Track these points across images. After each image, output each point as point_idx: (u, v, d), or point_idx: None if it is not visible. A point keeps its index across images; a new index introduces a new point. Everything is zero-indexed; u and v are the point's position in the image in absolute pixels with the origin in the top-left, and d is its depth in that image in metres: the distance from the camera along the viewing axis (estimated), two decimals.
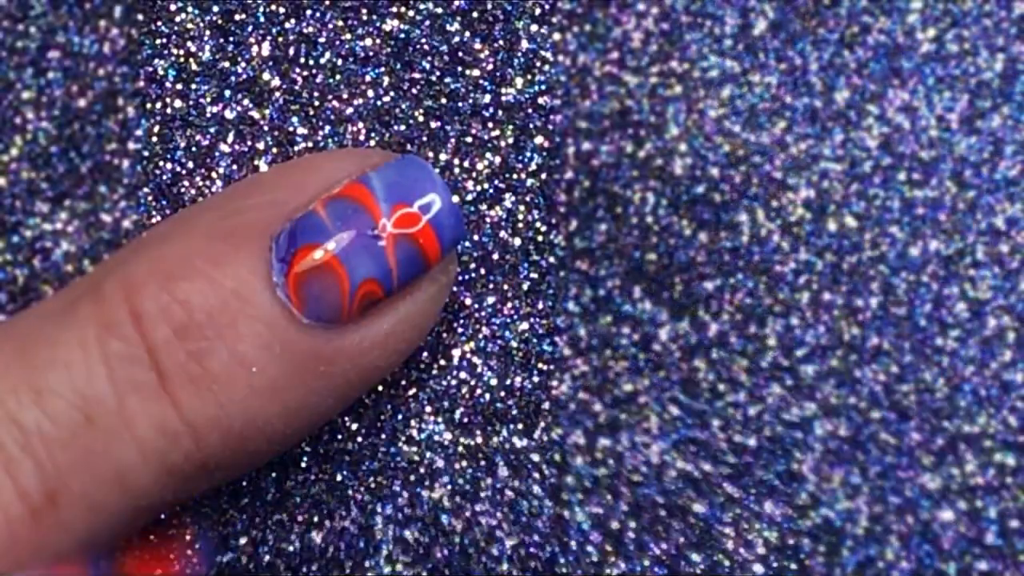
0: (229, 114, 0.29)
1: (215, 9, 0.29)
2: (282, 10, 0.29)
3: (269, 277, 0.26)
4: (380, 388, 0.29)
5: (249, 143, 0.29)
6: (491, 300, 0.29)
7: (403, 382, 0.29)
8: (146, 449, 0.25)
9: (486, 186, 0.29)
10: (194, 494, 0.27)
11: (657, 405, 0.29)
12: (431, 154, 0.29)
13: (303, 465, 0.29)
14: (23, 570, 0.25)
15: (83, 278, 0.27)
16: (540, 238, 0.29)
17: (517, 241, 0.29)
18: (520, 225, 0.29)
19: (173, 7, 0.29)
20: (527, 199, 0.29)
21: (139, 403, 0.25)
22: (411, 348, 0.28)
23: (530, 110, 0.29)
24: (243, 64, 0.29)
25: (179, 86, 0.29)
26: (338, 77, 0.29)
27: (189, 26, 0.29)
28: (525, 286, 0.29)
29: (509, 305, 0.29)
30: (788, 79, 0.30)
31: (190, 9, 0.29)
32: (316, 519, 0.29)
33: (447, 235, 0.26)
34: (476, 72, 0.29)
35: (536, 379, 0.29)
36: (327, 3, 0.29)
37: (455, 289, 0.29)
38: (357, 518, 0.29)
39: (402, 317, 0.27)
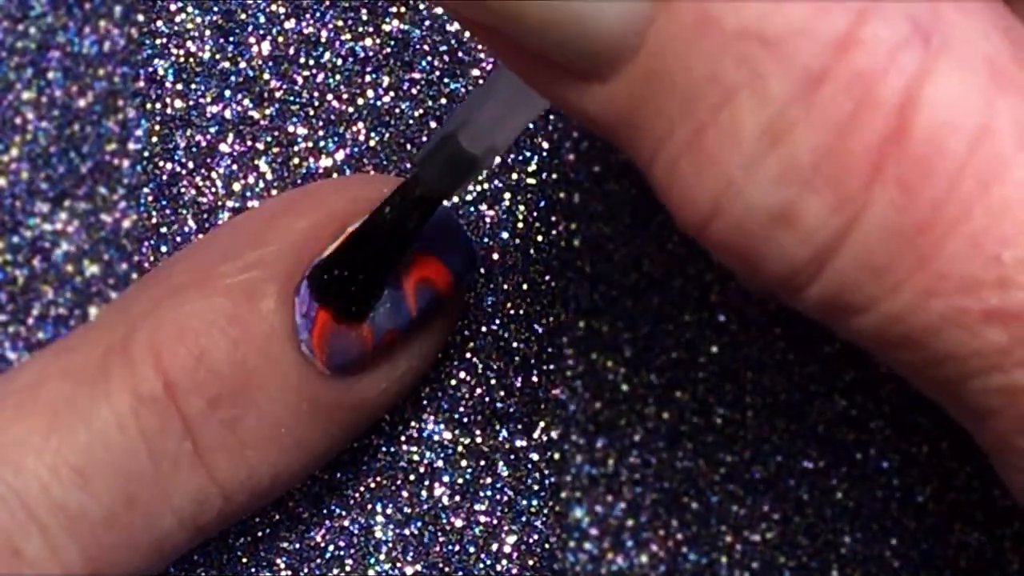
0: (229, 114, 0.29)
1: (215, 9, 0.29)
2: (282, 10, 0.29)
3: (294, 334, 0.26)
4: None
5: (249, 143, 0.29)
6: (491, 300, 0.29)
7: None
8: (183, 516, 0.26)
9: (486, 186, 0.29)
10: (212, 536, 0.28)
11: (657, 405, 0.30)
12: None
13: None
14: None
15: (105, 319, 0.27)
16: (540, 238, 0.29)
17: (517, 241, 0.29)
18: (520, 225, 0.29)
19: (173, 7, 0.29)
20: (527, 199, 0.29)
21: (176, 475, 0.25)
22: (423, 375, 0.28)
23: None
24: (243, 64, 0.29)
25: (179, 86, 0.29)
26: (338, 77, 0.29)
27: (189, 26, 0.29)
28: (525, 286, 0.29)
29: (509, 305, 0.29)
30: None
31: (190, 9, 0.29)
32: (316, 518, 0.29)
33: (463, 272, 0.27)
34: (476, 72, 0.29)
35: (536, 379, 0.29)
36: (327, 3, 0.29)
37: None
38: (357, 517, 0.29)
39: (417, 353, 0.27)
